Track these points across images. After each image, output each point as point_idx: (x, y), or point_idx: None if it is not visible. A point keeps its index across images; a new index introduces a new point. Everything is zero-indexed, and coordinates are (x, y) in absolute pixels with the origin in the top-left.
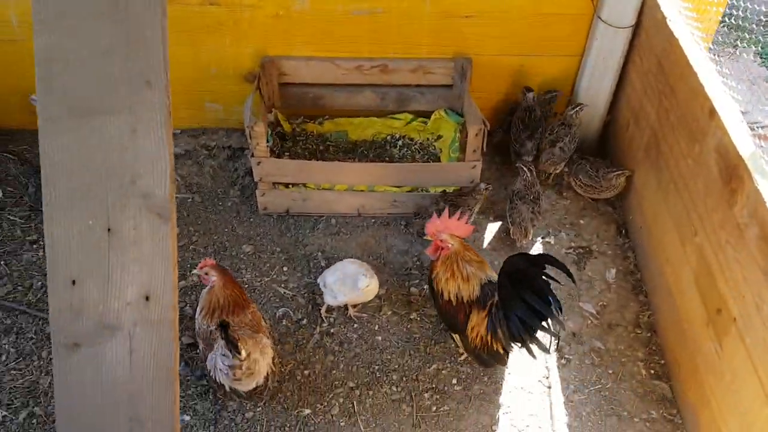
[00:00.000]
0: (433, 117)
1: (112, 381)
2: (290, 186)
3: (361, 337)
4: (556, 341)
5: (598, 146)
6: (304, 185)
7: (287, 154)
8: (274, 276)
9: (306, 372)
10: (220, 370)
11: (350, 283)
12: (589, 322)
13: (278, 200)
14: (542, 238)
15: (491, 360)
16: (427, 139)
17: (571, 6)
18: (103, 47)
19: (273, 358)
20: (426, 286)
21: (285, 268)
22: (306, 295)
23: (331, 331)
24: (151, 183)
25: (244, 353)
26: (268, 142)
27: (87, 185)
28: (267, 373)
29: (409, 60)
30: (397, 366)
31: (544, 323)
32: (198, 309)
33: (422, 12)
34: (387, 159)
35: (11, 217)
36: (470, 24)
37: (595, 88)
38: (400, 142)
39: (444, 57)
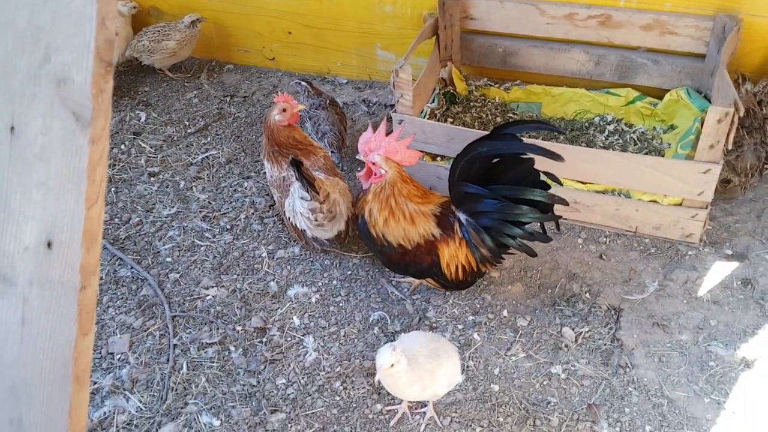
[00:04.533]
0: (667, 98)
1: None
2: (438, 159)
3: (472, 378)
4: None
5: None
6: None
7: (451, 120)
8: (387, 270)
9: (378, 406)
10: (301, 214)
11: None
12: None
13: (420, 175)
14: None
15: (476, 279)
16: (654, 128)
17: None
18: None
19: (351, 202)
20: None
21: None
22: (418, 302)
23: None
24: (69, 61)
25: (322, 193)
26: (432, 102)
27: None
28: (348, 218)
29: (644, 12)
30: None
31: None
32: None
33: None
34: (584, 146)
35: (143, 144)
36: None
37: None
38: (611, 127)
39: (698, 13)
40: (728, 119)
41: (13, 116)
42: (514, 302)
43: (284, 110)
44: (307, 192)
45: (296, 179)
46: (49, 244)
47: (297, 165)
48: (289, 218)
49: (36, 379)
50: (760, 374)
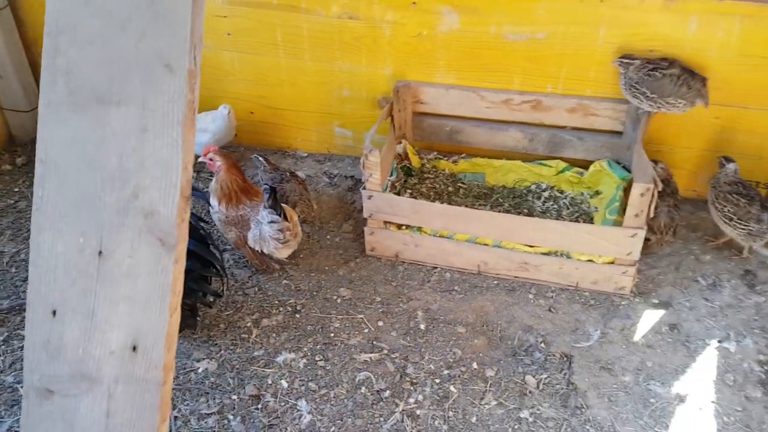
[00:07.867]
0: (591, 168)
1: None
2: (403, 227)
3: (453, 428)
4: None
5: None
6: (419, 229)
7: (410, 191)
8: (366, 331)
9: None
10: (270, 236)
11: None
12: None
13: (388, 242)
14: (719, 342)
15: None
16: (582, 193)
17: None
18: (120, 18)
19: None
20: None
21: (380, 323)
22: (397, 360)
23: (417, 413)
24: (156, 198)
25: (289, 213)
26: (391, 175)
27: (82, 193)
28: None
29: (569, 97)
30: None
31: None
32: (215, 203)
33: (594, 41)
34: (526, 211)
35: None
36: None
37: None
38: (546, 194)
39: (614, 97)
40: (649, 193)
41: (101, 242)
42: (480, 354)
43: (211, 160)
44: (279, 215)
45: (269, 206)
46: (134, 348)
47: (274, 190)
48: (252, 247)
49: None
50: (693, 407)
